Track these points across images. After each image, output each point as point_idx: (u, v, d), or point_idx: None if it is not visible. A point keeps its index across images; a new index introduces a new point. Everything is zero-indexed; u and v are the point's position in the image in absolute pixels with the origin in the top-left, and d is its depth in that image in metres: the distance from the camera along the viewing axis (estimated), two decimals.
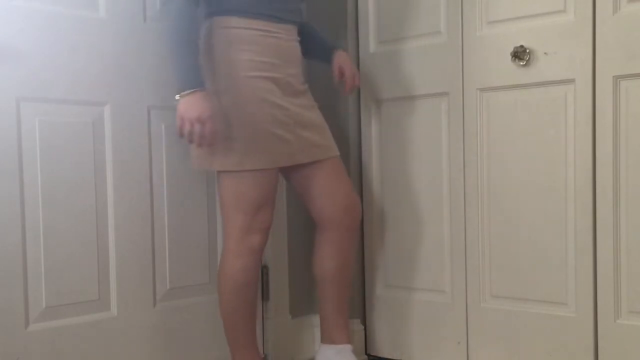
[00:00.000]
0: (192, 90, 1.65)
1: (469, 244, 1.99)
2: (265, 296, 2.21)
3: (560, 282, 1.83)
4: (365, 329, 2.30)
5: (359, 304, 2.30)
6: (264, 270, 2.20)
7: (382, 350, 2.22)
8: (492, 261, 1.95)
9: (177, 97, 1.67)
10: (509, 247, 1.92)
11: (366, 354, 2.29)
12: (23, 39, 1.68)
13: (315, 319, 2.33)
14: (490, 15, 1.91)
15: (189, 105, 1.64)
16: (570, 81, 1.78)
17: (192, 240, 2.03)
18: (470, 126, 1.97)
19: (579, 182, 1.78)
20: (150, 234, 1.93)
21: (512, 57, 1.85)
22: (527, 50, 1.83)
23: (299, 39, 1.87)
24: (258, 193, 1.78)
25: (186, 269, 2.02)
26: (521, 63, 1.84)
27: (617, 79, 1.71)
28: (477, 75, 1.94)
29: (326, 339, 1.96)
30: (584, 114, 1.76)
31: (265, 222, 1.84)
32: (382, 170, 2.18)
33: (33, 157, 1.70)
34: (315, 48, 2.02)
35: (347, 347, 1.93)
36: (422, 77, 2.06)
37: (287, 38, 1.81)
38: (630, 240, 1.71)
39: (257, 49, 1.75)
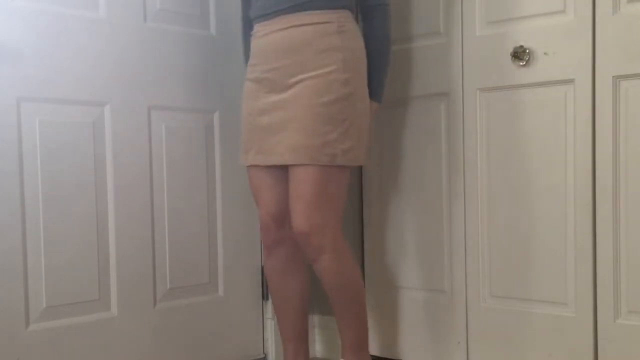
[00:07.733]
0: None
1: (468, 243, 1.98)
2: (264, 296, 2.22)
3: (560, 282, 1.83)
4: None
5: None
6: (263, 270, 2.20)
7: (382, 350, 2.22)
8: (492, 261, 1.95)
9: None
10: (509, 247, 1.92)
11: None
12: (23, 39, 1.68)
13: (315, 319, 2.33)
14: (490, 15, 1.91)
15: None
16: (570, 81, 1.78)
17: (192, 240, 2.03)
18: (470, 126, 1.97)
19: (578, 182, 1.78)
20: (150, 234, 1.93)
21: (511, 57, 1.85)
22: (527, 51, 1.83)
23: (310, 22, 1.69)
24: (252, 188, 1.86)
25: (186, 269, 2.02)
26: (521, 63, 1.84)
27: (617, 79, 1.71)
28: (477, 75, 1.94)
29: None
30: (584, 114, 1.76)
31: (261, 219, 1.85)
32: (381, 170, 2.18)
33: (33, 157, 1.70)
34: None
35: None
36: (422, 77, 2.06)
37: (267, 32, 1.73)
38: (630, 240, 1.71)
39: (250, 54, 1.83)
